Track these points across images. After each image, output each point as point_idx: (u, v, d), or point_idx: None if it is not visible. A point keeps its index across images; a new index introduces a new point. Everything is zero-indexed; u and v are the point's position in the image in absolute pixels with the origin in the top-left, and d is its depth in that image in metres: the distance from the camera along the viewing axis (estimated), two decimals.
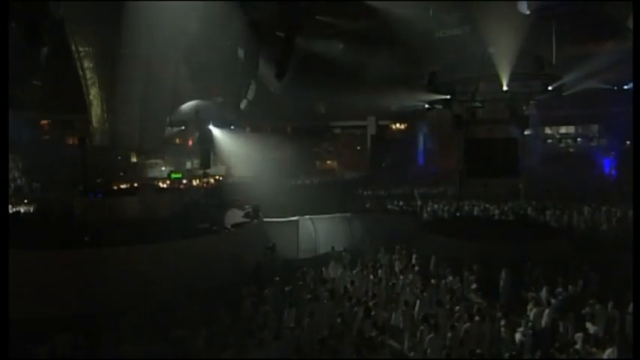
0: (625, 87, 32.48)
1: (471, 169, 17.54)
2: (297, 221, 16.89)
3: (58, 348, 9.01)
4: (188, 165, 39.45)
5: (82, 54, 15.51)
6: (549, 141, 38.42)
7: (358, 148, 46.04)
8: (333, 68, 33.03)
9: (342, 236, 16.85)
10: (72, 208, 15.64)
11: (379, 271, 12.82)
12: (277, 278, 12.16)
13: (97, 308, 10.46)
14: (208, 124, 32.33)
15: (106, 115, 16.21)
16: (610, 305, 9.66)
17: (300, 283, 12.27)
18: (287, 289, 11.78)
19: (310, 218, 17.28)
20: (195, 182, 36.83)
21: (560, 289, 10.37)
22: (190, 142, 39.01)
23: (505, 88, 16.72)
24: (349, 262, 14.06)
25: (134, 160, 38.21)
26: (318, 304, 10.42)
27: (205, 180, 35.93)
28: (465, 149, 17.44)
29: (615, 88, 32.84)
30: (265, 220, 17.13)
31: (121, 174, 32.24)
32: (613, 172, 35.25)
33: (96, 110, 16.30)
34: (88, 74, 15.70)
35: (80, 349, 9.15)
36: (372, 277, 12.38)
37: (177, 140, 39.42)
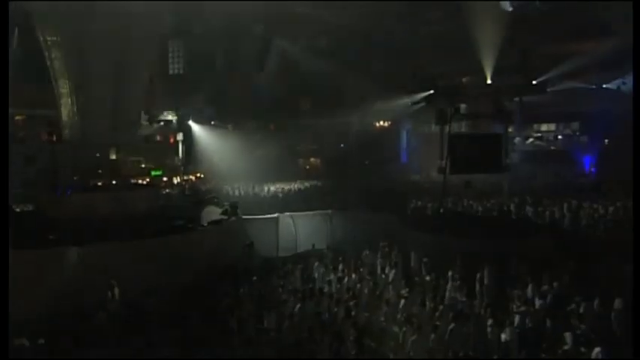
0: (604, 86, 32.78)
1: (454, 165, 17.24)
2: (276, 218, 16.37)
3: (17, 353, 8.37)
4: (169, 162, 38.63)
5: (50, 43, 14.71)
6: (530, 139, 38.63)
7: (342, 145, 45.63)
8: (317, 65, 32.58)
9: (323, 234, 16.38)
10: (38, 206, 14.86)
11: (361, 269, 12.42)
12: (255, 278, 11.69)
13: (61, 310, 9.80)
14: (188, 120, 31.70)
15: (75, 108, 15.43)
16: (596, 303, 9.42)
17: (280, 282, 11.82)
18: (265, 288, 11.34)
19: (291, 215, 16.78)
20: (175, 180, 36.04)
21: (546, 287, 10.11)
22: (172, 140, 38.23)
23: (489, 81, 16.48)
24: (331, 260, 13.62)
25: (113, 157, 37.21)
26: (296, 305, 9.97)
27: (186, 178, 35.21)
28: (448, 145, 17.12)
29: (594, 87, 33.13)
30: (244, 217, 16.60)
31: (99, 171, 31.30)
32: (593, 169, 35.64)
33: (65, 102, 15.52)
34: (57, 65, 14.89)
35: (42, 353, 8.51)
36: (354, 275, 11.97)
37: (159, 138, 38.62)
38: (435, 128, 22.48)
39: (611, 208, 20.20)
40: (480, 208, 21.16)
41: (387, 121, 43.97)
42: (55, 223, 12.87)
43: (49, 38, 14.64)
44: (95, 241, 11.45)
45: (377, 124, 44.87)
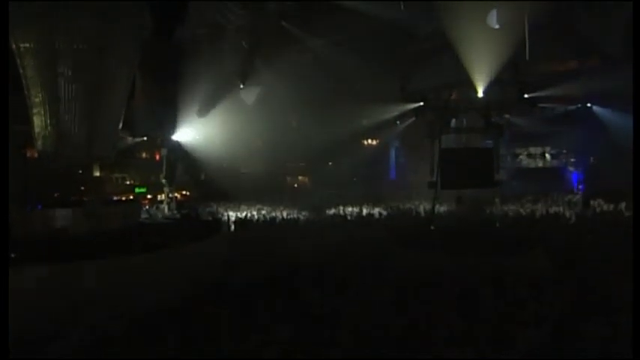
0: (588, 105, 33.09)
1: (445, 180, 16.78)
2: (263, 235, 15.68)
3: None
4: (154, 179, 37.77)
5: (22, 50, 14.01)
6: (520, 157, 38.76)
7: (330, 163, 45.21)
8: (304, 81, 32.24)
9: (312, 252, 15.67)
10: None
11: (350, 290, 11.67)
12: (236, 299, 10.87)
13: (14, 336, 8.82)
14: (172, 135, 31.00)
15: (49, 120, 14.64)
16: (602, 323, 8.80)
17: (264, 304, 11.02)
18: (247, 311, 10.52)
19: (277, 232, 16.12)
20: (160, 197, 35.17)
21: (547, 309, 9.45)
22: (158, 156, 37.46)
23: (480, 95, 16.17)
24: (319, 279, 12.85)
25: (97, 174, 36.25)
26: (282, 329, 9.18)
27: (171, 195, 34.41)
28: (439, 159, 16.68)
29: (579, 105, 33.44)
30: (228, 233, 15.90)
31: (82, 188, 30.31)
32: (580, 186, 35.84)
33: (39, 112, 14.72)
34: (29, 73, 14.17)
35: None
36: (343, 297, 11.23)
37: (144, 154, 37.88)
38: (424, 144, 22.16)
39: (604, 224, 20.12)
40: (472, 224, 20.67)
41: (376, 138, 43.81)
42: (19, 240, 11.91)
43: (21, 45, 13.91)
44: (60, 259, 10.54)
45: (365, 142, 44.68)
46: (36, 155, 17.12)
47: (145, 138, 31.34)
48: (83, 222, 13.83)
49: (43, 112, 14.40)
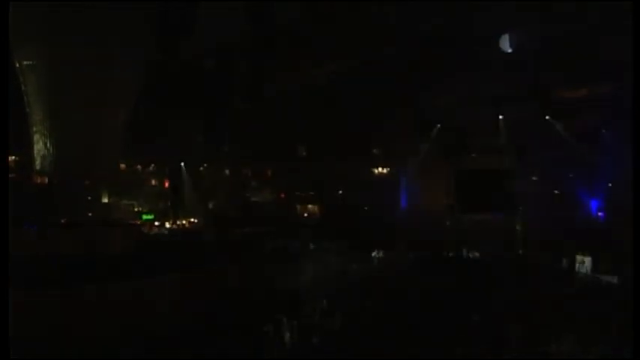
0: (603, 130, 32.25)
1: (462, 204, 15.85)
2: (267, 265, 14.84)
3: None
4: (162, 206, 37.61)
5: (25, 67, 13.77)
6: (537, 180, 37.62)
7: (340, 192, 44.56)
8: (313, 111, 31.97)
9: (317, 280, 14.73)
10: None
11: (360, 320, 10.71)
12: (234, 332, 9.95)
13: None
14: (179, 161, 30.82)
15: (48, 140, 14.24)
16: None
17: (267, 339, 10.09)
18: (248, 345, 9.60)
19: (282, 261, 15.33)
20: (167, 224, 34.83)
21: (593, 348, 8.32)
22: (167, 184, 37.45)
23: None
24: (326, 310, 11.86)
25: (105, 200, 36.13)
26: None
27: (178, 222, 33.97)
28: (455, 182, 15.80)
29: (598, 129, 32.57)
30: (232, 263, 15.07)
31: (89, 214, 30.06)
32: (600, 214, 34.54)
33: (39, 131, 14.35)
34: (30, 90, 13.87)
35: None
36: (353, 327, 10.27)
37: (153, 182, 37.91)
38: (437, 169, 21.39)
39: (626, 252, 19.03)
40: (491, 253, 19.55)
41: (387, 166, 43.07)
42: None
43: (24, 62, 13.66)
44: (46, 284, 9.77)
45: (376, 170, 43.97)
46: (37, 178, 16.67)
47: (153, 165, 31.19)
48: (78, 244, 13.13)
49: (43, 131, 14.01)
